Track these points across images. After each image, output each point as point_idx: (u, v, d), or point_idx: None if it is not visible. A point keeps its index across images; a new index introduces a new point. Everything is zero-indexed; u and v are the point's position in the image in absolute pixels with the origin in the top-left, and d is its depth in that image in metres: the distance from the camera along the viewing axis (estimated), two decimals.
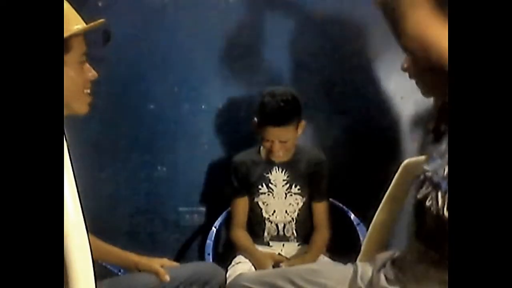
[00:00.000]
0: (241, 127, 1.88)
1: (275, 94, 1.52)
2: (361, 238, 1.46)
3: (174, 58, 1.82)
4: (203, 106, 1.88)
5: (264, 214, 1.64)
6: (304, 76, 1.82)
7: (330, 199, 1.80)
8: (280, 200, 1.63)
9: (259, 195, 1.64)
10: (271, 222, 1.64)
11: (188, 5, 1.83)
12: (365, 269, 1.19)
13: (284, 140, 1.53)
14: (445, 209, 1.02)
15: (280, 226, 1.64)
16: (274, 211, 1.64)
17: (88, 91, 1.08)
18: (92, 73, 1.08)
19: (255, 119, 1.57)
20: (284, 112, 1.49)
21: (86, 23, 1.09)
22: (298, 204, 1.64)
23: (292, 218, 1.64)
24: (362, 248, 1.35)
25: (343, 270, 1.24)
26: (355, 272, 1.19)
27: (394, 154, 1.81)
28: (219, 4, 1.83)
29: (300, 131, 1.57)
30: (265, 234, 1.65)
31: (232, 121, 1.89)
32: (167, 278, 1.22)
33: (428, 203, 1.07)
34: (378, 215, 1.35)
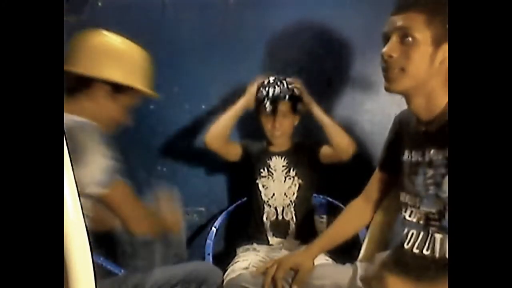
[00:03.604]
0: (241, 127, 1.88)
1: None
2: (361, 238, 1.46)
3: (174, 58, 1.82)
4: (203, 106, 1.88)
5: (264, 197, 1.69)
6: (305, 75, 1.81)
7: (330, 199, 1.81)
8: (280, 184, 1.69)
9: (260, 178, 1.70)
10: (270, 206, 1.69)
11: (188, 5, 1.83)
12: (364, 269, 1.19)
13: (284, 109, 1.62)
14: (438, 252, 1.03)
15: (279, 210, 1.68)
16: (273, 194, 1.69)
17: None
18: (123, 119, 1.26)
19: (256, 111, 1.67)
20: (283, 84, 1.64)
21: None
22: (296, 186, 1.69)
23: (291, 201, 1.69)
24: (362, 248, 1.35)
25: (343, 270, 1.24)
26: (355, 272, 1.19)
27: None
28: (219, 4, 1.83)
29: (296, 121, 1.69)
30: (264, 219, 1.68)
31: None
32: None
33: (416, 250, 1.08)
34: (378, 215, 1.35)
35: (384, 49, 1.02)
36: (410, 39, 0.98)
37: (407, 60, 0.99)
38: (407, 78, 1.00)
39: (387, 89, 1.05)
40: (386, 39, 1.03)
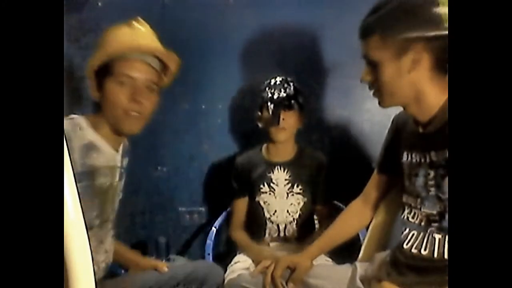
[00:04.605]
0: (241, 127, 1.88)
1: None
2: (361, 238, 1.46)
3: None
4: (203, 106, 1.88)
5: (266, 214, 1.63)
6: (304, 75, 1.81)
7: None
8: (282, 200, 1.62)
9: (260, 195, 1.63)
10: (272, 223, 1.63)
11: (188, 5, 1.83)
12: (364, 269, 1.19)
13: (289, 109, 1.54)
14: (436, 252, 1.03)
15: (281, 227, 1.63)
16: (276, 211, 1.62)
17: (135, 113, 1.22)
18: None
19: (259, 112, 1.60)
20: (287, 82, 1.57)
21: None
22: (299, 204, 1.62)
23: (294, 219, 1.62)
24: (362, 248, 1.35)
25: (342, 271, 1.24)
26: (354, 272, 1.19)
27: None
28: (219, 4, 1.83)
29: (300, 123, 1.61)
30: (266, 235, 1.64)
31: (232, 121, 1.89)
32: (166, 269, 1.32)
33: (414, 250, 1.08)
34: (377, 216, 1.36)
35: (361, 75, 1.09)
36: (373, 62, 1.03)
37: (378, 83, 1.05)
38: (387, 97, 1.06)
39: (380, 106, 1.10)
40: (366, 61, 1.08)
